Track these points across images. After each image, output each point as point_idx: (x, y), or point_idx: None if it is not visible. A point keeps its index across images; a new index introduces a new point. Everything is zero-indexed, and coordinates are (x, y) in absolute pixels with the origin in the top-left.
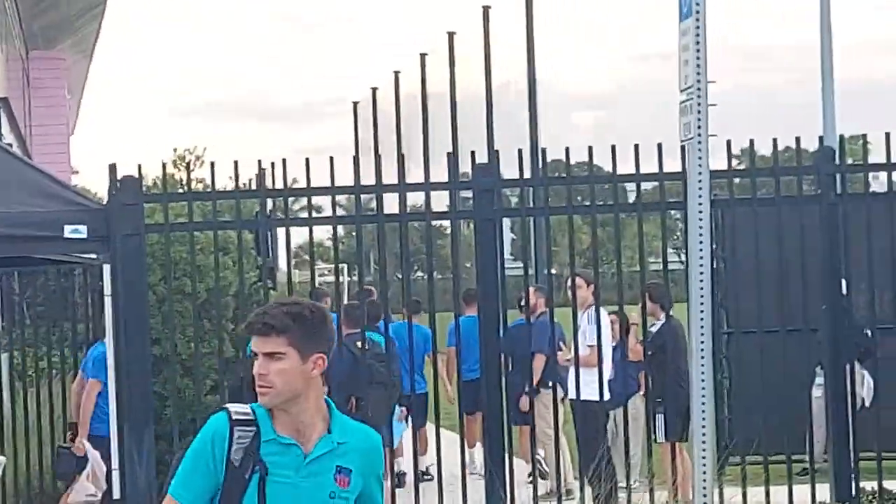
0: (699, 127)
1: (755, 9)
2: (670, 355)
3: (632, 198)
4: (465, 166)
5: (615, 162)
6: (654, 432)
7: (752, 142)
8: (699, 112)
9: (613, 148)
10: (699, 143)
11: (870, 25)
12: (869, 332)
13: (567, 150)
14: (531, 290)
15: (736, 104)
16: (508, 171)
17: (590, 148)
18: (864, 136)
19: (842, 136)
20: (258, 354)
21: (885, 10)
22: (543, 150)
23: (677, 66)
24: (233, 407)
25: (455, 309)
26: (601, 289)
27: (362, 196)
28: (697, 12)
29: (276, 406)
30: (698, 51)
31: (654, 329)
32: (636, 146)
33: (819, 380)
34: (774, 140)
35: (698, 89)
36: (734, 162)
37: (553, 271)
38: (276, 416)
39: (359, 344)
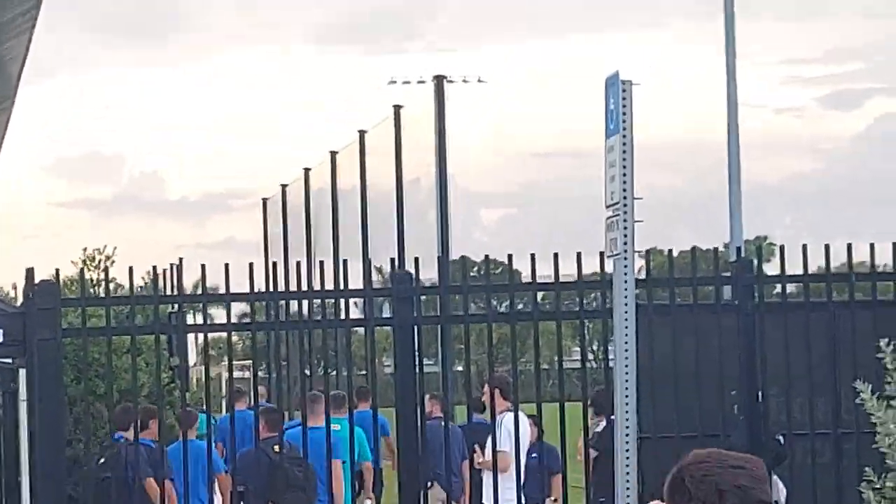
0: (625, 244)
1: (658, 106)
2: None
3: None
4: (378, 257)
5: (534, 269)
6: None
7: (670, 252)
8: (625, 229)
9: (533, 257)
10: (625, 259)
11: (771, 126)
12: (781, 439)
13: (486, 258)
14: (426, 396)
15: (642, 202)
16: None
17: (509, 256)
18: (782, 247)
19: (759, 248)
20: None
21: (786, 112)
22: (463, 259)
23: (603, 181)
24: None
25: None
26: (518, 390)
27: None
28: (624, 129)
29: None
30: (625, 167)
31: (598, 430)
32: (555, 255)
33: None
34: (693, 249)
35: (625, 206)
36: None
37: (459, 368)
38: None
39: (276, 448)
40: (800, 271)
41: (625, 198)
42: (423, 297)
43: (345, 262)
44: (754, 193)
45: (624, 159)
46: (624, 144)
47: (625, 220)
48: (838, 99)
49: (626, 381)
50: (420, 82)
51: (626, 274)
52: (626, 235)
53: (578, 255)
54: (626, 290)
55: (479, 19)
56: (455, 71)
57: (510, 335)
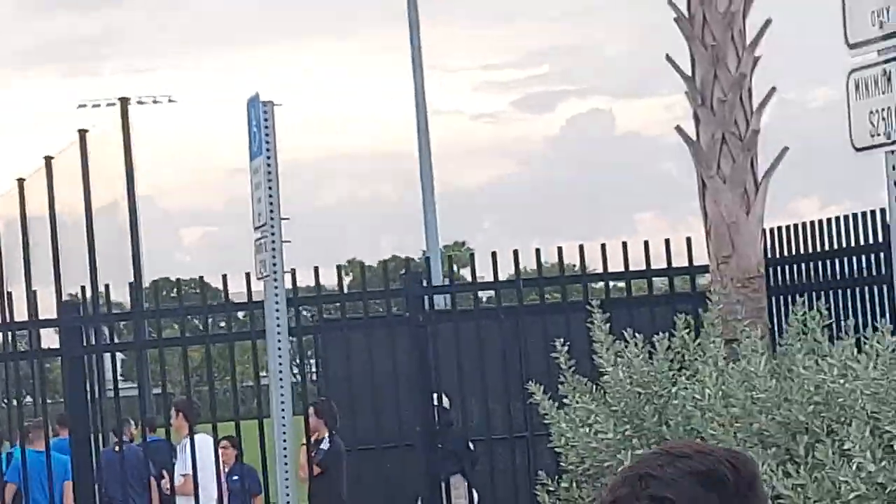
0: (274, 264)
1: (355, 116)
2: (334, 479)
3: None
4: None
5: (227, 289)
6: None
7: (339, 268)
8: (274, 249)
9: (225, 277)
10: (276, 280)
11: (465, 133)
12: (471, 445)
13: (178, 281)
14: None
15: (342, 214)
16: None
17: (200, 278)
18: (450, 257)
19: (427, 259)
20: None
21: (481, 117)
22: (155, 283)
23: (251, 204)
24: None
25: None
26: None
27: None
28: (268, 150)
29: None
30: (270, 189)
31: (324, 447)
32: (247, 274)
33: None
34: (361, 265)
35: (272, 226)
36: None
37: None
38: None
39: None
40: (501, 276)
41: (272, 219)
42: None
43: (9, 294)
44: (453, 199)
45: (269, 181)
46: (269, 166)
47: (273, 242)
48: (532, 102)
49: (282, 400)
50: (110, 104)
51: (276, 295)
52: (274, 256)
53: (247, 275)
54: (277, 310)
55: (171, 40)
56: (145, 91)
57: (206, 364)
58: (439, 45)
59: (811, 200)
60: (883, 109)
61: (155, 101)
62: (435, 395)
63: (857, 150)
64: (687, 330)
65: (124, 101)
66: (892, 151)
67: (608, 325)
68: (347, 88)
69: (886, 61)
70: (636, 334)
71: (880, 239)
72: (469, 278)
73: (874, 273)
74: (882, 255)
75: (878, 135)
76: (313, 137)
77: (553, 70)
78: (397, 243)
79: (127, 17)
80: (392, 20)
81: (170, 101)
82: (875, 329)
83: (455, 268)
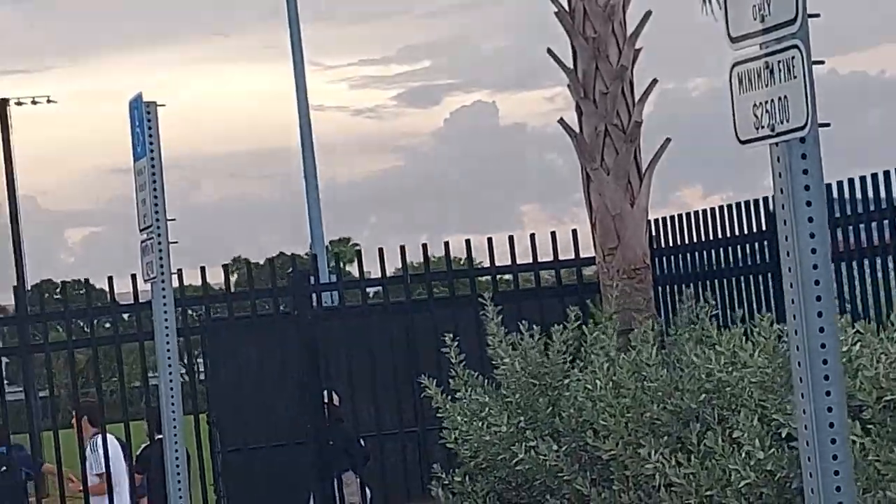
0: (161, 266)
1: (225, 115)
2: (157, 476)
3: None
4: None
5: (113, 291)
6: None
7: (225, 267)
8: (160, 251)
9: (111, 279)
10: (163, 281)
11: (347, 129)
12: (362, 441)
13: (63, 284)
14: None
15: (224, 215)
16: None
17: (86, 280)
18: (337, 254)
19: (314, 256)
20: None
21: (364, 112)
22: (38, 286)
23: (135, 205)
24: None
25: None
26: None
27: None
28: (152, 151)
29: None
30: (155, 189)
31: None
32: (133, 276)
33: None
34: (248, 263)
35: (158, 228)
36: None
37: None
38: None
39: None
40: (388, 271)
41: (157, 220)
42: None
43: None
44: (338, 195)
45: (154, 182)
46: (153, 167)
47: (159, 243)
48: (414, 96)
49: (172, 403)
50: None
51: (164, 297)
52: (161, 258)
53: (133, 276)
54: (165, 312)
55: (49, 40)
56: (25, 92)
57: (93, 360)
58: (317, 42)
59: (694, 189)
60: (766, 102)
61: (34, 102)
62: (325, 392)
63: (742, 142)
64: (578, 322)
65: (3, 103)
66: (777, 144)
67: (500, 317)
68: (228, 87)
69: (768, 54)
70: (532, 326)
71: (764, 228)
72: (355, 273)
73: (759, 262)
74: (766, 243)
75: (763, 127)
76: (194, 136)
77: (434, 65)
78: (283, 240)
79: (1, 17)
80: (269, 19)
81: (49, 101)
82: (762, 317)
83: (341, 263)
